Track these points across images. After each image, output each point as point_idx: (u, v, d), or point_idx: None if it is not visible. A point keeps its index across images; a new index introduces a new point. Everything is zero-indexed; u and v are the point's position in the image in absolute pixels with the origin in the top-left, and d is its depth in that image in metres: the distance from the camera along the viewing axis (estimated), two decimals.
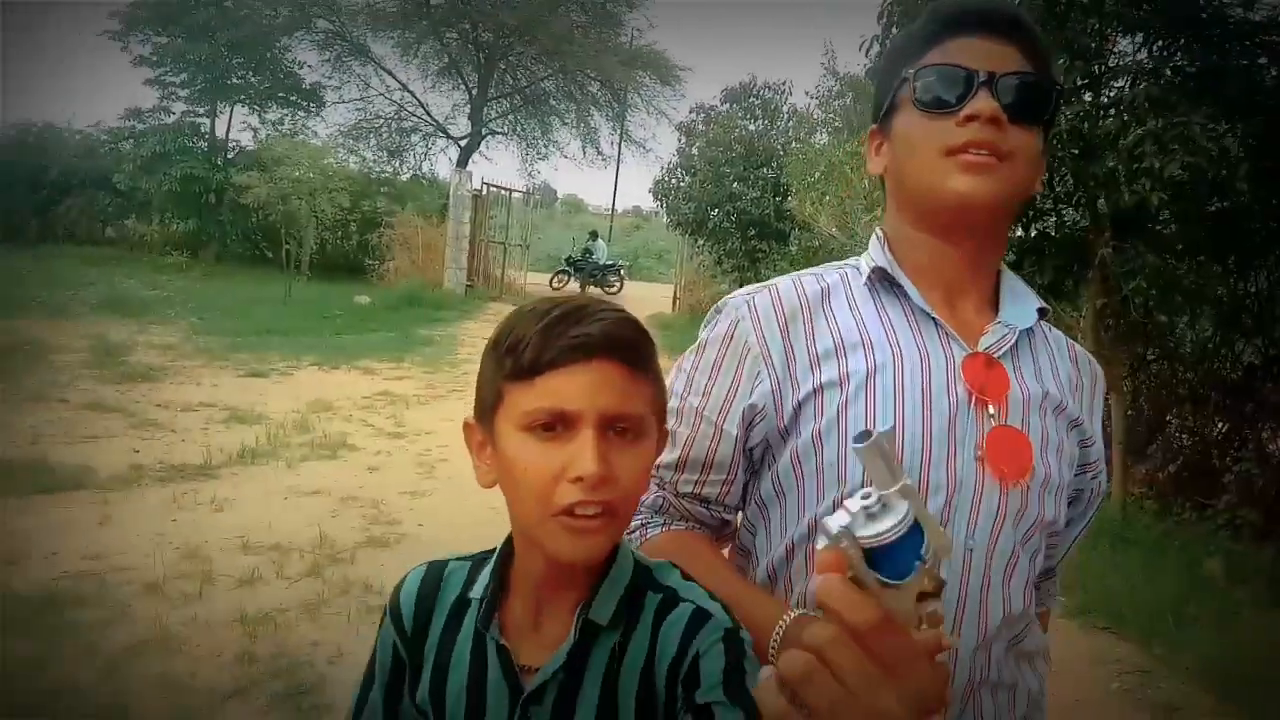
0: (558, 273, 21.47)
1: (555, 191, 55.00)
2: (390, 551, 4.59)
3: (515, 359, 0.87)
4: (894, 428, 1.01)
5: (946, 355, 1.07)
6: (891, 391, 1.04)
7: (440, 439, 6.97)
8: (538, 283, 20.95)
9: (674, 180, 14.04)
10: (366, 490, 5.56)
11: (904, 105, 1.09)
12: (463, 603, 0.98)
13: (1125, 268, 5.15)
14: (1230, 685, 3.70)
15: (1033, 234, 6.02)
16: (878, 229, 1.18)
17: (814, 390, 1.06)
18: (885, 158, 1.14)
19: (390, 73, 23.04)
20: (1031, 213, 5.92)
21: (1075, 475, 1.12)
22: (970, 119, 1.03)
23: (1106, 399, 1.16)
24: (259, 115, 20.94)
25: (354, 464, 6.20)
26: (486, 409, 0.92)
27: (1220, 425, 6.18)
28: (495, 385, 0.90)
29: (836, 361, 1.07)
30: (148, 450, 6.04)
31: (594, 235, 22.74)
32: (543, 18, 19.75)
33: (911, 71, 1.08)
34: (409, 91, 23.48)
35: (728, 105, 13.95)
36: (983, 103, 1.03)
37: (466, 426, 0.96)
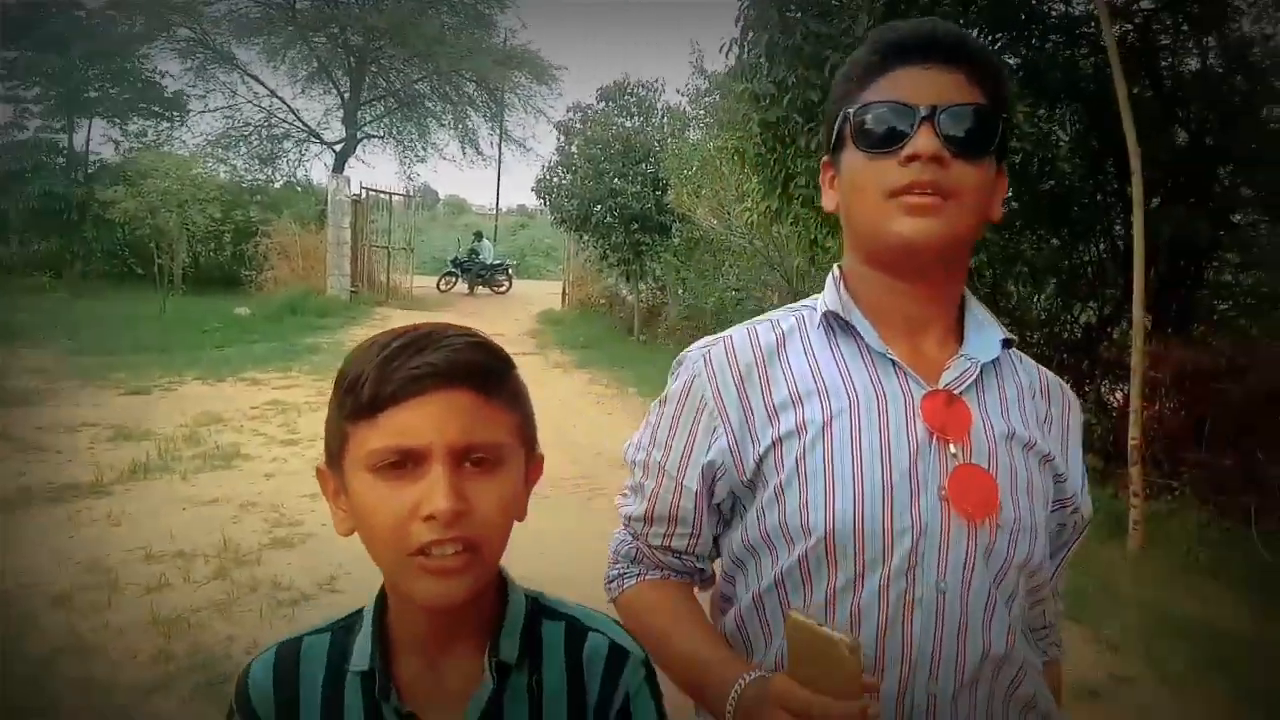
0: (444, 274, 21.41)
1: (437, 193, 54.27)
2: (296, 550, 4.72)
3: (355, 397, 0.83)
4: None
5: (905, 395, 1.04)
6: (848, 438, 1.02)
7: None
8: (424, 285, 20.86)
9: (555, 178, 14.27)
10: (265, 496, 5.64)
11: (848, 143, 1.06)
12: (336, 678, 0.90)
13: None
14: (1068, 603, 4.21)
15: None
16: (836, 266, 1.14)
17: (773, 443, 1.04)
18: (836, 194, 1.11)
19: (257, 79, 22.60)
20: None
21: (1053, 511, 1.08)
22: (912, 159, 0.99)
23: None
24: (120, 128, 20.18)
25: (250, 472, 6.24)
26: (334, 454, 0.88)
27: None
28: (340, 427, 0.86)
29: (793, 412, 1.05)
30: (35, 472, 5.95)
31: (478, 236, 22.76)
32: (412, 20, 19.67)
33: (851, 110, 1.05)
34: (278, 97, 23.09)
35: (604, 104, 14.26)
36: (923, 141, 0.99)
37: (319, 473, 0.91)
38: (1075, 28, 6.30)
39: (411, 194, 23.04)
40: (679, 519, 1.12)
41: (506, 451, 0.86)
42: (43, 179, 18.26)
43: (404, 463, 0.81)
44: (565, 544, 4.38)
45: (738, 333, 1.13)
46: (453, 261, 21.61)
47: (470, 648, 0.89)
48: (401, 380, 0.81)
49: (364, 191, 18.08)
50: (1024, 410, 1.08)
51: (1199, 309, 6.51)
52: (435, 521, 0.79)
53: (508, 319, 16.51)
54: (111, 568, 4.34)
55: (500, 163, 29.53)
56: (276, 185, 22.42)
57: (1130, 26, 6.25)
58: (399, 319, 15.89)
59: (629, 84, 14.17)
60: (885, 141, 1.01)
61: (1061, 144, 5.50)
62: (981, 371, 1.06)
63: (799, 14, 5.37)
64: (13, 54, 18.79)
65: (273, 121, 22.97)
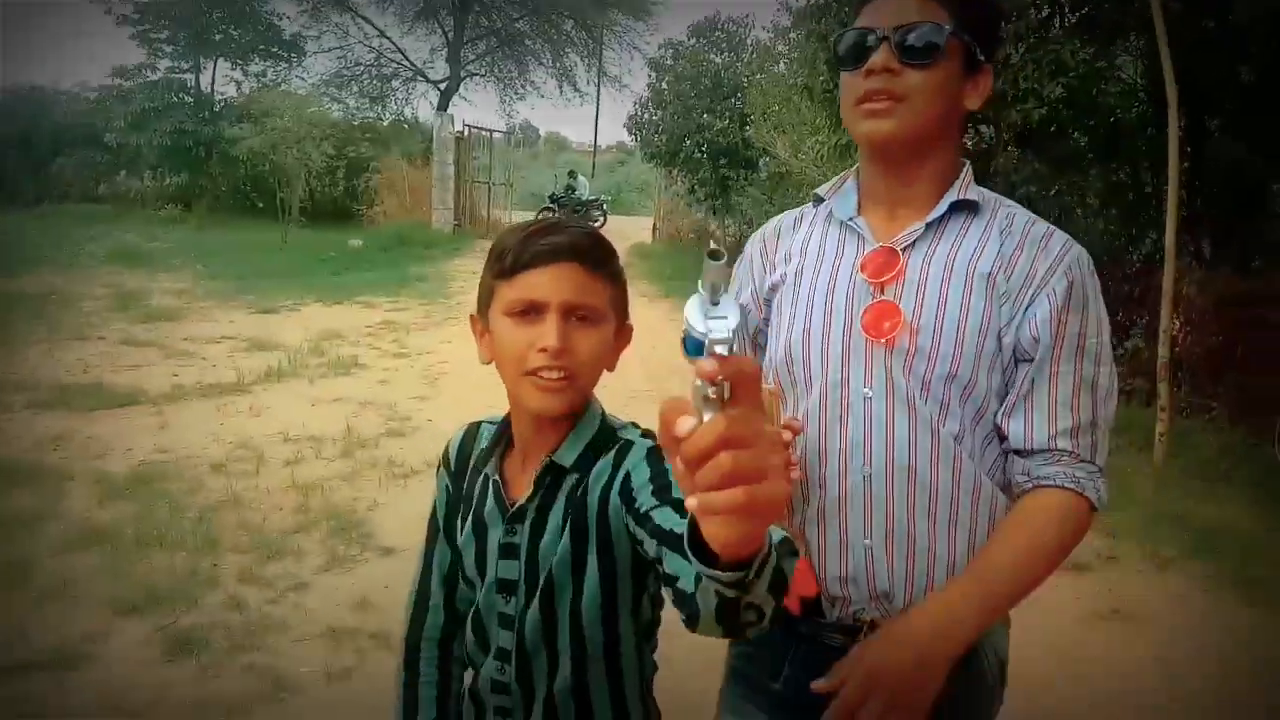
0: (542, 210, 22.12)
1: (538, 130, 54.77)
2: (406, 439, 5.51)
3: (500, 262, 1.12)
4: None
5: (857, 254, 1.30)
6: (804, 287, 1.33)
7: (440, 356, 7.85)
8: (524, 220, 21.63)
9: (646, 114, 14.71)
10: (381, 396, 6.47)
11: (837, 62, 1.30)
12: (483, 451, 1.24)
13: (1019, 175, 6.01)
14: None
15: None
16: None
17: (770, 290, 1.39)
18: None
19: (368, 20, 23.43)
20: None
21: (1006, 326, 1.23)
22: (870, 73, 1.22)
23: (1073, 286, 1.24)
24: (241, 69, 21.36)
25: (366, 379, 7.09)
26: (483, 303, 1.17)
27: (1120, 311, 7.08)
28: (488, 284, 1.15)
29: (781, 269, 1.37)
30: (185, 374, 6.92)
31: (572, 174, 23.36)
32: None
33: (834, 38, 1.31)
34: (387, 38, 23.89)
35: (695, 39, 14.57)
36: (877, 57, 1.21)
37: (471, 318, 1.21)
38: None
39: (512, 131, 23.73)
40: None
41: (602, 314, 1.13)
42: (173, 117, 19.55)
43: (529, 311, 1.10)
44: None
45: (774, 219, 1.47)
46: (550, 197, 22.29)
47: (550, 449, 1.15)
48: (533, 253, 1.09)
49: (466, 129, 18.83)
50: (980, 255, 1.25)
51: (1260, 241, 6.68)
52: (545, 353, 1.08)
53: None
54: (257, 446, 5.21)
55: (599, 100, 29.87)
56: (385, 123, 23.37)
57: None
58: None
59: (720, 19, 14.44)
60: (853, 60, 1.25)
61: (1120, 78, 5.75)
62: (938, 227, 1.27)
63: None
64: None
65: (382, 61, 23.91)
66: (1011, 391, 1.25)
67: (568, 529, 1.13)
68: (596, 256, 1.13)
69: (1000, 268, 1.24)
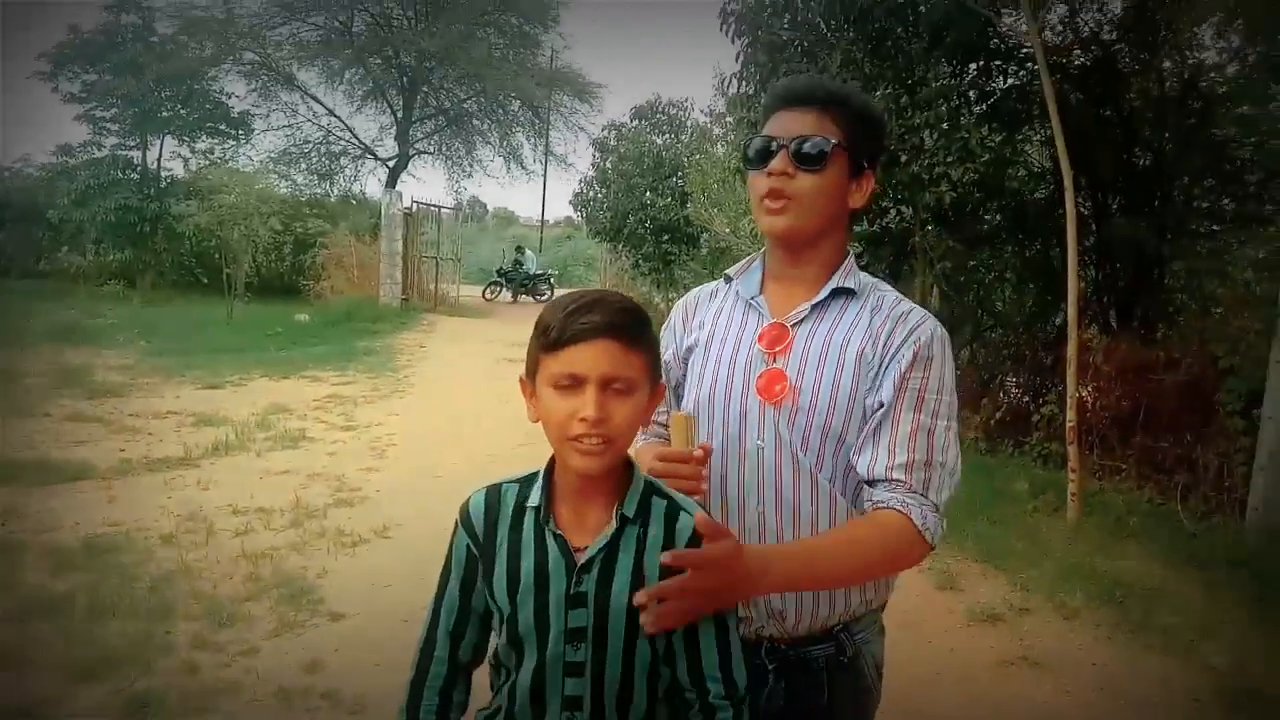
0: (490, 284, 22.46)
1: (486, 206, 55.35)
2: (355, 509, 5.64)
3: (545, 337, 1.24)
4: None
5: (756, 326, 1.57)
6: (711, 352, 1.60)
7: (388, 429, 7.99)
8: (471, 294, 21.93)
9: (591, 192, 15.20)
10: (329, 469, 6.58)
11: (744, 162, 1.60)
12: (521, 510, 1.31)
13: (935, 254, 6.45)
14: (995, 557, 4.99)
15: (875, 228, 7.32)
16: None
17: (686, 351, 1.67)
18: None
19: (317, 99, 23.90)
20: (874, 210, 7.23)
21: (870, 390, 1.48)
22: (770, 174, 1.50)
23: (919, 354, 1.47)
24: (189, 145, 21.51)
25: (314, 451, 7.19)
26: (531, 371, 1.29)
27: (1036, 379, 7.52)
28: (535, 355, 1.28)
29: (697, 334, 1.65)
30: (132, 449, 6.97)
31: (520, 249, 23.79)
32: (461, 43, 20.77)
33: (744, 142, 1.58)
34: (336, 116, 24.36)
35: (637, 121, 15.17)
36: (776, 162, 1.49)
37: (521, 381, 1.32)
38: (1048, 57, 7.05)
39: (460, 207, 24.15)
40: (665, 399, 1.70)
41: (636, 383, 1.25)
42: (118, 193, 19.60)
43: (571, 383, 1.23)
44: None
45: (694, 290, 1.75)
46: (498, 272, 22.67)
47: (601, 505, 1.29)
48: (574, 331, 1.22)
49: (415, 205, 19.16)
50: (853, 332, 1.50)
51: (1161, 312, 7.19)
52: (585, 423, 1.21)
53: None
54: (206, 517, 5.30)
55: (545, 176, 30.52)
56: (333, 199, 23.66)
57: (1094, 54, 6.97)
58: (446, 325, 16.95)
59: (660, 103, 15.07)
60: (758, 162, 1.53)
61: (1025, 164, 6.26)
62: (823, 308, 1.53)
63: (784, 55, 6.22)
64: (92, 77, 20.25)
65: (330, 139, 24.32)
66: (863, 434, 1.49)
67: (632, 578, 1.26)
68: (633, 332, 1.25)
69: (868, 342, 1.50)
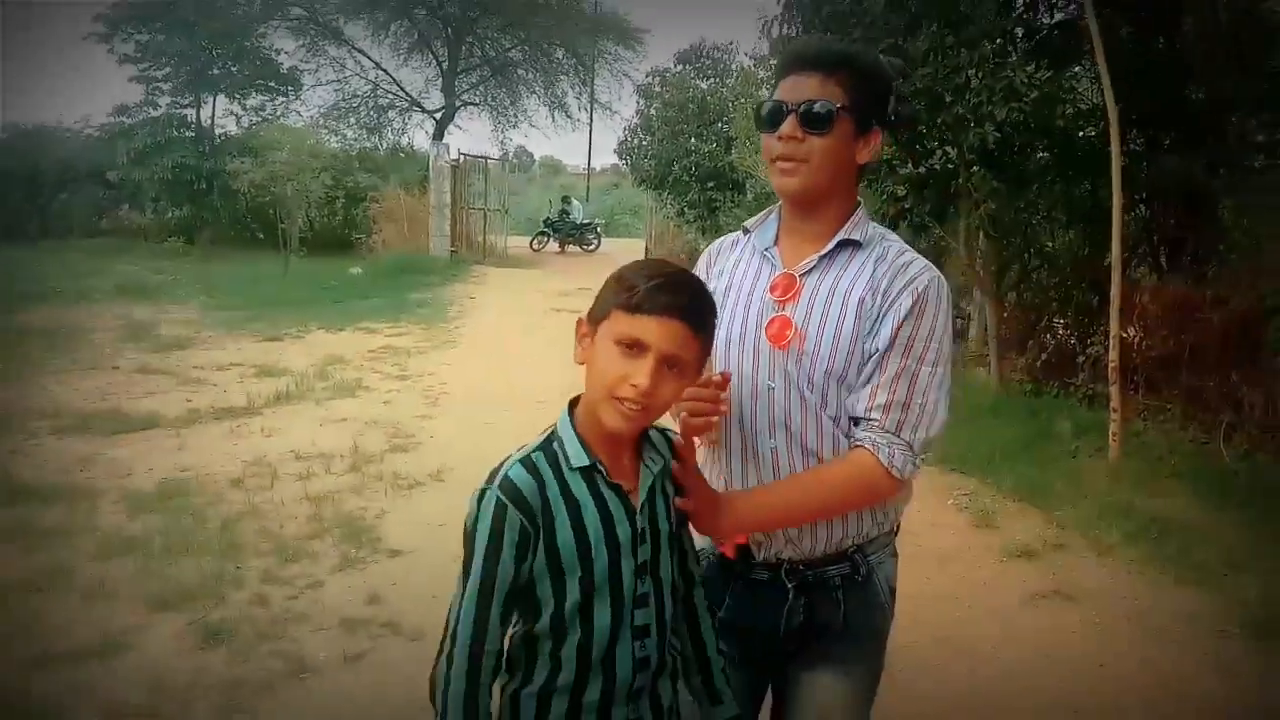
0: (537, 235, 22.60)
1: (533, 155, 55.36)
2: (410, 454, 5.88)
3: (627, 296, 1.32)
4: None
5: (769, 276, 1.67)
6: (730, 299, 1.70)
7: (440, 378, 8.23)
8: (519, 245, 22.13)
9: (635, 140, 15.18)
10: (385, 416, 6.84)
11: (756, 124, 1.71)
12: (559, 474, 1.36)
13: (980, 195, 6.41)
14: (1034, 495, 5.06)
15: (920, 169, 7.26)
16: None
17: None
18: None
19: (364, 53, 24.06)
20: (920, 151, 7.18)
21: (869, 335, 1.57)
22: (780, 139, 1.60)
23: (917, 303, 1.56)
24: (240, 103, 21.89)
25: (370, 400, 7.46)
26: (596, 317, 1.36)
27: (1083, 320, 7.46)
28: (608, 306, 1.34)
29: (717, 282, 1.74)
30: (198, 399, 7.28)
31: (566, 199, 23.85)
32: None
33: (755, 106, 1.73)
34: (383, 70, 24.50)
35: (681, 66, 15.06)
36: (785, 126, 1.58)
37: (579, 321, 1.39)
38: None
39: (507, 157, 24.23)
40: None
41: (690, 366, 1.37)
42: (174, 152, 20.04)
43: (634, 346, 1.31)
44: None
45: (719, 239, 1.86)
46: (545, 222, 22.79)
47: (628, 449, 1.43)
48: (654, 305, 1.31)
49: (461, 157, 19.30)
50: (857, 281, 1.59)
51: (1212, 250, 7.07)
52: (636, 389, 1.31)
53: (593, 275, 17.51)
54: (270, 463, 5.57)
55: (591, 125, 30.43)
56: (383, 153, 23.90)
57: None
58: (495, 276, 17.18)
59: (705, 47, 14.93)
60: (769, 125, 1.62)
61: (1073, 101, 6.17)
62: (830, 259, 1.63)
63: None
64: (145, 36, 20.61)
65: (378, 93, 24.52)
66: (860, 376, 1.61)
67: (663, 500, 1.46)
68: (701, 319, 1.37)
69: (869, 291, 1.59)
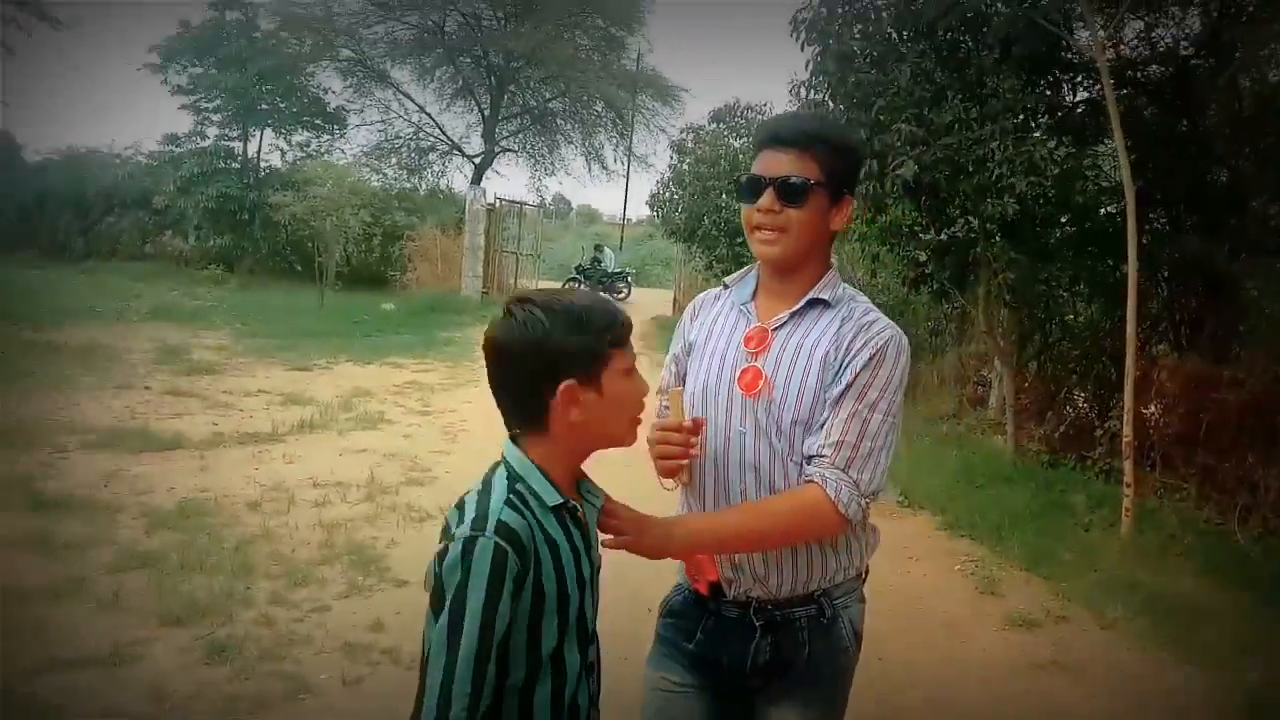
0: (568, 280, 22.86)
1: (570, 203, 56.02)
2: (425, 488, 5.97)
3: (616, 334, 1.43)
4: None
5: (745, 329, 1.79)
6: (706, 349, 1.82)
7: (461, 415, 8.36)
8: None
9: (667, 193, 15.42)
10: (403, 450, 6.95)
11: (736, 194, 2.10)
12: (543, 512, 1.38)
13: (999, 264, 6.49)
14: (1041, 565, 5.05)
15: (942, 236, 7.36)
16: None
17: (690, 345, 1.87)
18: None
19: (409, 96, 24.65)
20: (942, 219, 7.28)
21: (833, 383, 1.68)
22: (759, 210, 1.71)
23: (875, 355, 1.68)
24: (286, 138, 22.48)
25: (391, 433, 7.59)
26: (591, 374, 1.40)
27: (1102, 393, 7.47)
28: (597, 354, 1.40)
29: (697, 333, 1.87)
30: (224, 423, 7.45)
31: (599, 248, 24.16)
32: (548, 44, 21.22)
33: (735, 179, 2.21)
34: (426, 113, 25.07)
35: (715, 124, 15.34)
36: (764, 200, 1.70)
37: (569, 389, 1.38)
38: (1124, 71, 7.02)
39: (543, 204, 24.63)
40: (667, 386, 1.92)
41: None
42: (219, 182, 20.58)
43: (631, 369, 1.45)
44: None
45: (702, 294, 1.99)
46: (576, 268, 23.05)
47: (573, 493, 1.47)
48: (627, 331, 1.45)
49: (498, 201, 19.65)
50: (823, 337, 1.71)
51: (1232, 331, 7.08)
52: (644, 400, 1.48)
53: None
54: (288, 489, 5.69)
55: (628, 176, 30.88)
56: (422, 194, 24.38)
57: (1170, 69, 6.92)
58: None
59: (739, 106, 15.21)
60: (750, 198, 1.74)
61: (1094, 178, 6.27)
62: (800, 316, 1.74)
63: (853, 65, 6.35)
64: (198, 69, 21.30)
65: (420, 135, 25.06)
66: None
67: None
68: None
69: (833, 346, 1.71)
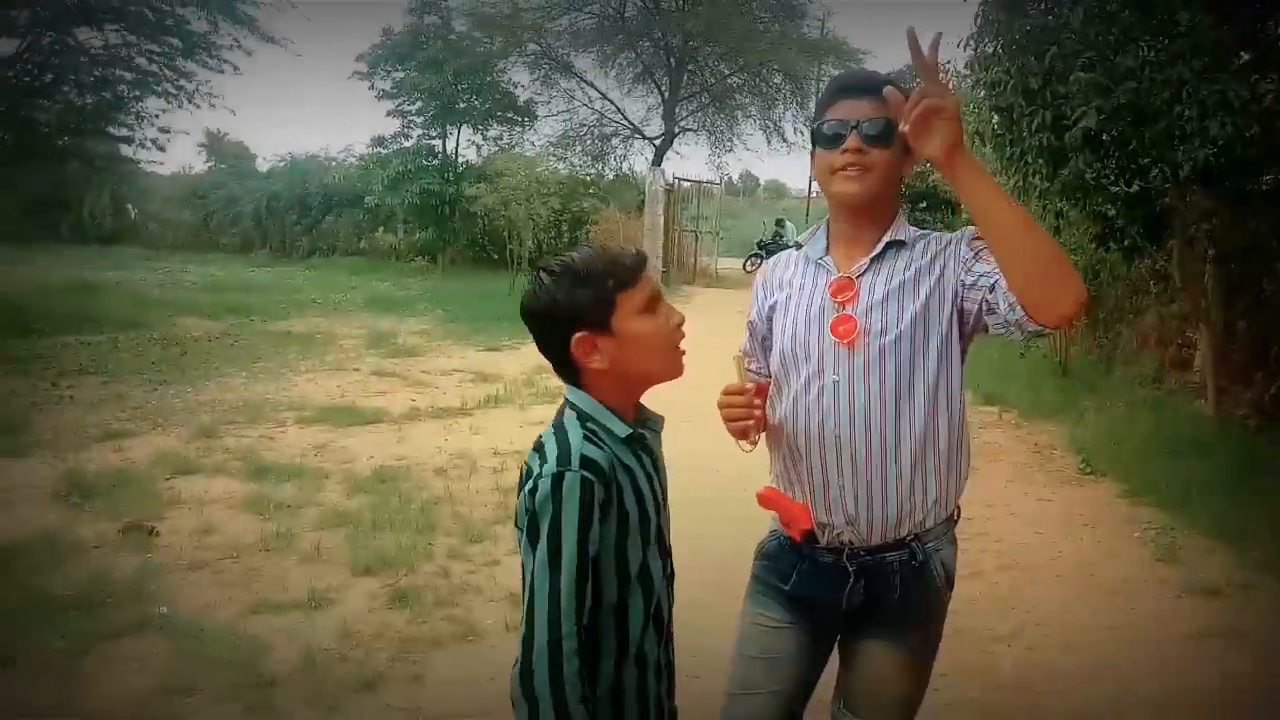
0: (750, 256, 22.85)
1: (758, 179, 55.70)
2: None
3: (622, 275, 1.48)
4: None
5: (825, 282, 1.84)
6: (789, 305, 1.88)
7: None
8: (733, 266, 22.50)
9: None
10: None
11: (816, 143, 1.86)
12: (615, 443, 1.49)
13: (1192, 215, 6.02)
14: (1230, 534, 4.71)
15: (1134, 188, 6.88)
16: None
17: (770, 309, 1.95)
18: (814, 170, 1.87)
19: (592, 84, 25.37)
20: (1134, 169, 6.83)
21: (972, 288, 1.71)
22: (844, 153, 1.76)
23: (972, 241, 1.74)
24: (481, 134, 23.62)
25: None
26: (599, 321, 1.47)
27: None
28: (606, 300, 1.47)
29: (777, 295, 1.93)
30: (421, 399, 8.08)
31: (780, 222, 23.97)
32: (725, 20, 21.21)
33: (815, 126, 1.87)
34: (608, 100, 25.73)
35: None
36: (850, 141, 1.75)
37: (580, 340, 1.47)
38: None
39: (724, 181, 24.70)
40: (753, 349, 2.04)
41: None
42: (422, 179, 21.88)
43: (652, 303, 1.50)
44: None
45: (770, 259, 2.07)
46: (758, 244, 23.00)
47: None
48: (639, 264, 1.52)
49: (676, 181, 19.90)
50: (908, 274, 1.78)
51: None
52: (679, 324, 1.55)
53: None
54: (472, 456, 6.14)
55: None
56: (608, 177, 25.03)
57: None
58: (702, 296, 17.59)
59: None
60: (832, 144, 1.79)
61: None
62: (880, 259, 1.80)
63: (1024, 10, 6.05)
64: (400, 74, 22.71)
65: (603, 121, 25.76)
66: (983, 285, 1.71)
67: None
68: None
69: (912, 277, 1.79)
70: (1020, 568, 4.45)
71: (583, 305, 1.47)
